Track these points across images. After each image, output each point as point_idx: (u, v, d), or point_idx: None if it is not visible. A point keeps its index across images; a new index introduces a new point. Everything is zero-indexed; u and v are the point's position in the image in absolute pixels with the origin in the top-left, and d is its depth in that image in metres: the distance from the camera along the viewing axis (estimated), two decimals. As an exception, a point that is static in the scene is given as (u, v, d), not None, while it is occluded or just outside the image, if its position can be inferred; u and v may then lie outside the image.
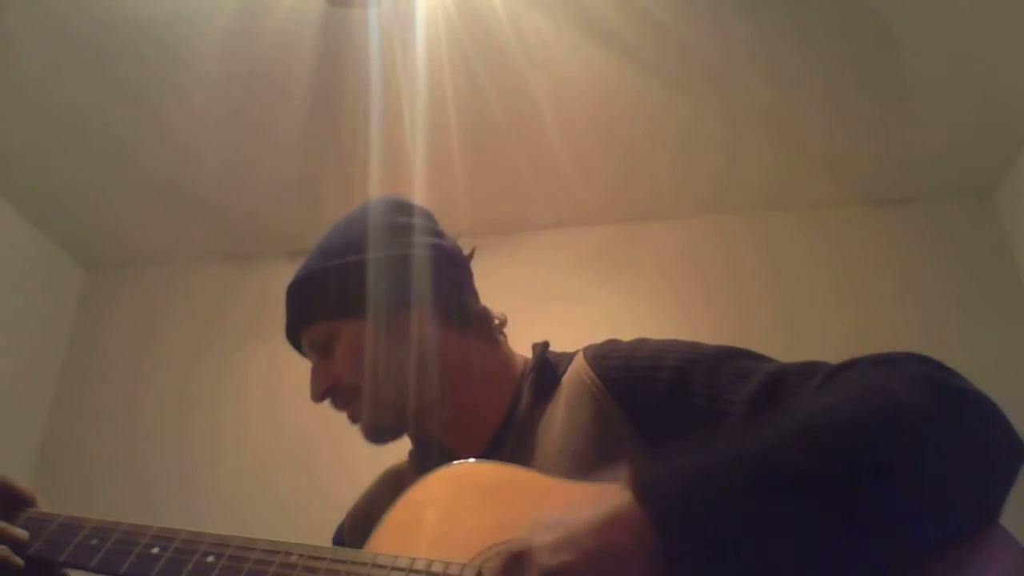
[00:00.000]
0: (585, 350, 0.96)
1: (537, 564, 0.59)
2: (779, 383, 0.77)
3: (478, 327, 1.02)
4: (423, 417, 0.97)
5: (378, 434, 0.98)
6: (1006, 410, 0.69)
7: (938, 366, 0.71)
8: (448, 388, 0.96)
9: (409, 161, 2.31)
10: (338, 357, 0.98)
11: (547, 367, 0.98)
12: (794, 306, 2.45)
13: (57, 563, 0.84)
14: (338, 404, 1.00)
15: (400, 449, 1.08)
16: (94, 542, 0.82)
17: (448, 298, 1.01)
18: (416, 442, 1.04)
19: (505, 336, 1.05)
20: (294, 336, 1.04)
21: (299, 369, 1.01)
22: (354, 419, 0.99)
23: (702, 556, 0.58)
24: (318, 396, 0.99)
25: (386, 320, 0.98)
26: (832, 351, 0.88)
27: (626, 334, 1.00)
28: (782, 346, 0.98)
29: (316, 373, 1.00)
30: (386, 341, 0.98)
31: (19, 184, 2.59)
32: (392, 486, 1.01)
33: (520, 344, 1.06)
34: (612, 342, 0.96)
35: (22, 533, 0.84)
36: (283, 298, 1.04)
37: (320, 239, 1.07)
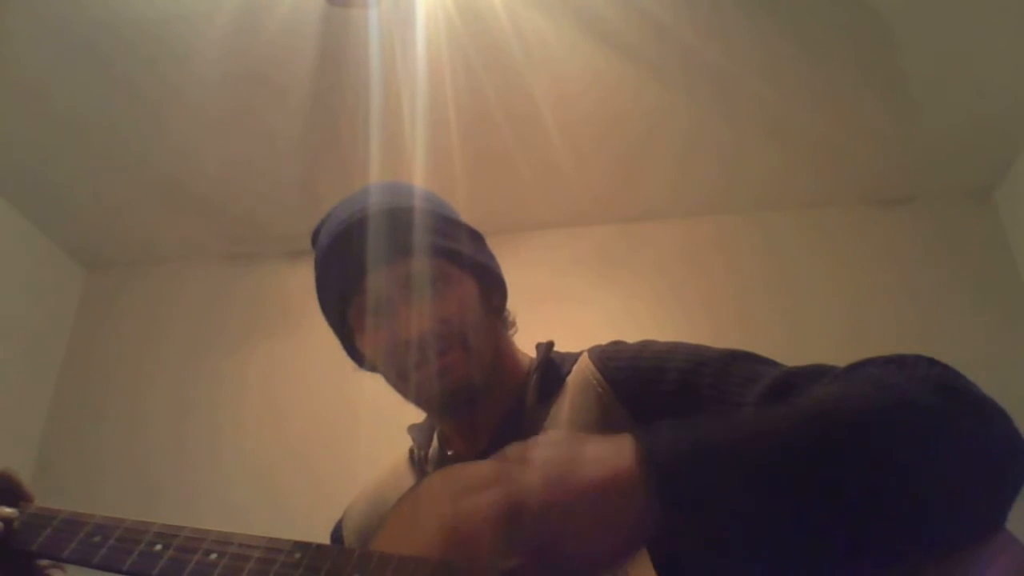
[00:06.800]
0: (591, 351, 0.95)
1: (532, 527, 0.60)
2: (788, 386, 0.77)
3: (503, 319, 1.03)
4: (486, 391, 0.94)
5: (464, 394, 0.92)
6: (1007, 409, 0.69)
7: (948, 369, 0.71)
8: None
9: (409, 161, 2.31)
10: (451, 299, 0.93)
11: (552, 367, 0.97)
12: (794, 306, 2.45)
13: (60, 559, 0.84)
14: (436, 348, 0.90)
15: (398, 446, 1.08)
16: (97, 539, 0.82)
17: (497, 283, 1.03)
18: (425, 433, 1.03)
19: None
20: (377, 262, 0.92)
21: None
22: (449, 371, 0.91)
23: (691, 528, 0.58)
24: (425, 332, 0.90)
25: (480, 283, 0.99)
26: (832, 351, 0.88)
27: (626, 334, 1.00)
28: (782, 346, 0.98)
29: (414, 309, 0.91)
30: (481, 303, 0.98)
31: (19, 184, 2.59)
32: (394, 484, 1.00)
33: (518, 344, 1.06)
34: (617, 343, 0.95)
35: (10, 511, 0.85)
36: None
37: (374, 185, 0.99)
